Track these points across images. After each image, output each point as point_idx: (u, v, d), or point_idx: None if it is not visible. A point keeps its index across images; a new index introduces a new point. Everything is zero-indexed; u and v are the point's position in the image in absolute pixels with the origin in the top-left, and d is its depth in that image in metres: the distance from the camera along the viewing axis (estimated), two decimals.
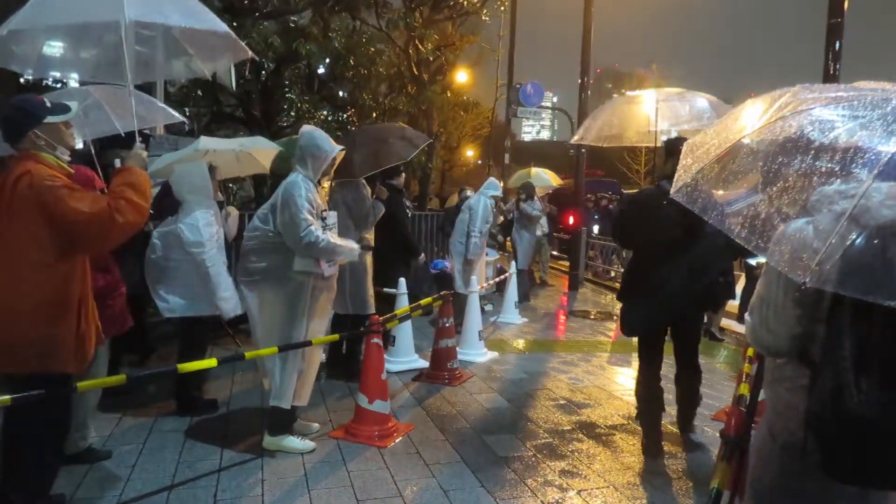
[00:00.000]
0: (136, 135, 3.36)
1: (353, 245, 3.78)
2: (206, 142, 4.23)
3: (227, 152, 4.47)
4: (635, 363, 6.03)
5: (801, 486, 1.71)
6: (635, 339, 4.15)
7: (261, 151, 4.59)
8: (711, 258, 3.69)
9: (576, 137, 6.66)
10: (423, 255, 6.18)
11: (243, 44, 4.25)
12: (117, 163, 3.02)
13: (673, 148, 3.89)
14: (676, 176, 1.87)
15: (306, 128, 3.79)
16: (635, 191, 5.60)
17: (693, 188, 1.83)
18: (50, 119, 2.73)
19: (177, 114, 4.51)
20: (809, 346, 1.62)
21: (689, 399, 4.15)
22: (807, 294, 1.57)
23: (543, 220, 10.40)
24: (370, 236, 5.07)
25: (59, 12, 3.69)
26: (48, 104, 2.75)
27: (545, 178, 12.00)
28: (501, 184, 15.28)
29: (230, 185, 10.77)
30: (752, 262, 6.99)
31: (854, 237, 1.38)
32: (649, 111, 5.70)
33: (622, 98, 6.52)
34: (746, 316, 1.80)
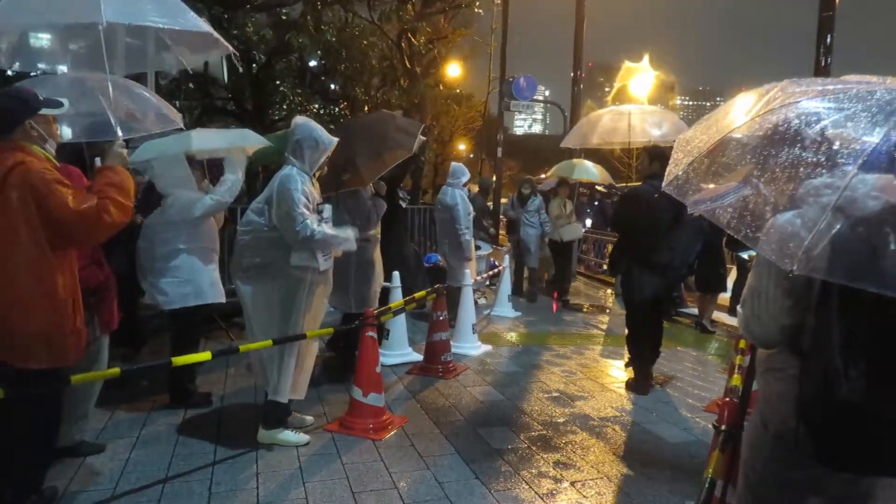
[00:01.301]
0: (118, 131, 3.34)
1: (349, 234, 3.76)
2: (197, 141, 4.16)
3: (218, 151, 4.42)
4: (628, 355, 6.11)
5: (793, 475, 1.74)
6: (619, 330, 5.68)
7: (250, 147, 4.54)
8: (693, 237, 4.88)
9: (569, 141, 8.48)
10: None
11: (224, 41, 4.20)
12: (97, 162, 3.00)
13: (655, 153, 5.01)
14: (668, 169, 1.91)
15: (302, 119, 3.75)
16: (630, 186, 6.29)
17: (684, 181, 1.86)
18: (45, 111, 2.73)
19: (174, 117, 4.41)
20: (800, 336, 1.65)
21: (655, 347, 5.14)
22: (796, 284, 1.60)
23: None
24: (376, 231, 5.02)
25: (36, 13, 3.64)
26: (41, 97, 2.74)
27: (592, 171, 10.16)
28: (494, 178, 15.32)
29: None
30: (745, 255, 7.04)
31: (841, 227, 1.42)
32: (626, 124, 7.10)
33: (609, 110, 8.06)
34: (738, 307, 1.82)
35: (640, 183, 5.60)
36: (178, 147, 4.15)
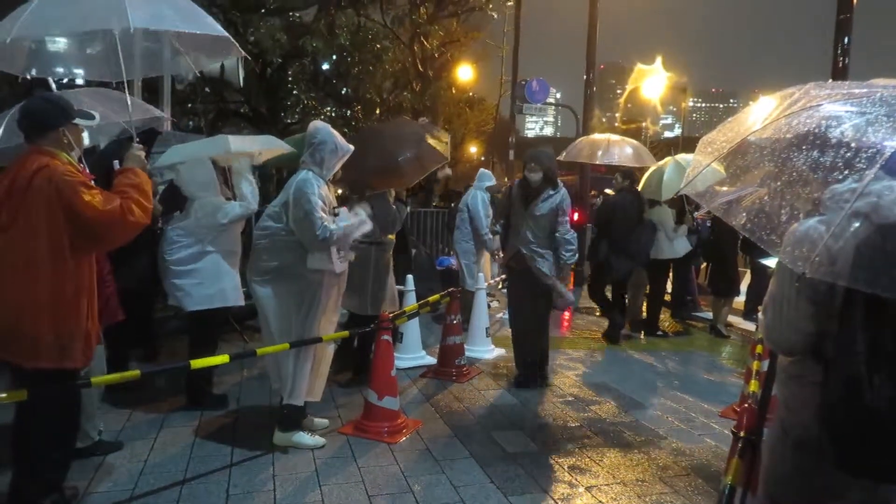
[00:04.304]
0: (134, 135, 3.42)
1: (361, 216, 3.76)
2: (235, 144, 4.24)
3: (252, 153, 4.51)
4: (642, 359, 6.08)
5: (813, 482, 1.73)
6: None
7: (276, 151, 4.63)
8: (651, 234, 6.74)
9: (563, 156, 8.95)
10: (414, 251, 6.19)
11: (237, 45, 4.33)
12: (116, 164, 3.07)
13: (627, 174, 6.82)
14: (688, 171, 1.92)
15: (321, 124, 3.77)
16: (610, 195, 7.11)
17: (703, 183, 1.86)
18: (77, 121, 2.79)
19: (154, 109, 4.60)
20: (822, 344, 1.64)
21: (623, 310, 6.97)
22: (819, 291, 1.59)
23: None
24: (391, 236, 5.04)
25: (59, 20, 3.74)
26: (75, 107, 2.81)
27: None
28: (506, 179, 15.32)
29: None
30: (767, 261, 6.97)
31: (866, 234, 1.41)
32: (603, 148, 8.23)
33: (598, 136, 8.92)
34: (760, 315, 1.81)
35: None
36: (206, 151, 4.22)
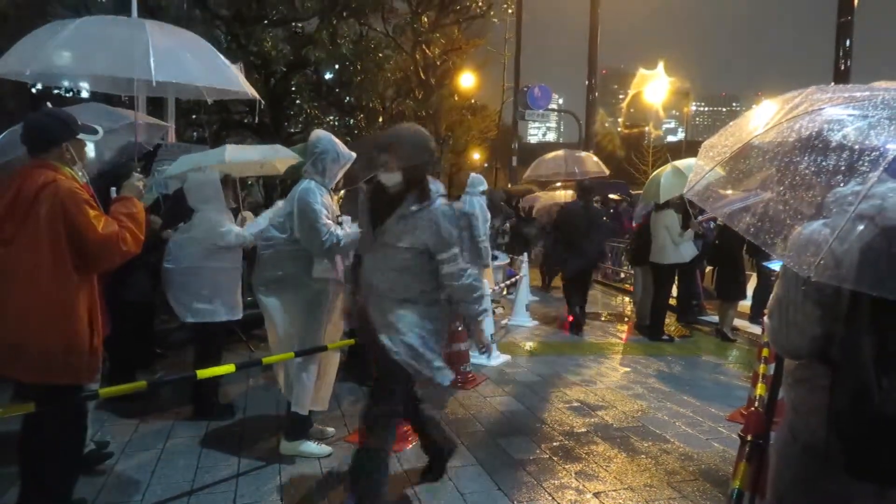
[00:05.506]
0: (135, 163, 3.45)
1: (356, 230, 3.78)
2: (232, 152, 4.26)
3: (252, 163, 4.53)
4: (649, 365, 6.08)
5: (822, 486, 1.72)
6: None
7: (281, 161, 4.66)
8: (601, 236, 7.95)
9: (528, 173, 10.21)
10: None
11: (253, 91, 4.44)
12: (113, 192, 3.09)
13: (581, 185, 8.00)
14: (691, 176, 1.92)
15: (323, 132, 3.79)
16: (566, 202, 8.35)
17: (705, 187, 1.86)
18: (81, 136, 2.81)
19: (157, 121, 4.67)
20: (829, 347, 1.63)
21: (582, 302, 7.77)
22: (825, 294, 1.58)
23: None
24: None
25: (83, 62, 3.78)
26: (79, 122, 2.83)
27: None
28: (510, 185, 15.33)
29: (241, 191, 10.87)
30: (774, 266, 6.93)
31: (871, 236, 1.41)
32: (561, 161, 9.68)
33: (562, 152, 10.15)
34: (766, 319, 1.81)
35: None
36: (207, 160, 4.24)
